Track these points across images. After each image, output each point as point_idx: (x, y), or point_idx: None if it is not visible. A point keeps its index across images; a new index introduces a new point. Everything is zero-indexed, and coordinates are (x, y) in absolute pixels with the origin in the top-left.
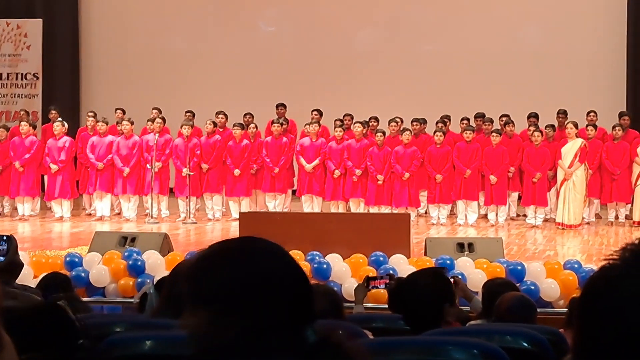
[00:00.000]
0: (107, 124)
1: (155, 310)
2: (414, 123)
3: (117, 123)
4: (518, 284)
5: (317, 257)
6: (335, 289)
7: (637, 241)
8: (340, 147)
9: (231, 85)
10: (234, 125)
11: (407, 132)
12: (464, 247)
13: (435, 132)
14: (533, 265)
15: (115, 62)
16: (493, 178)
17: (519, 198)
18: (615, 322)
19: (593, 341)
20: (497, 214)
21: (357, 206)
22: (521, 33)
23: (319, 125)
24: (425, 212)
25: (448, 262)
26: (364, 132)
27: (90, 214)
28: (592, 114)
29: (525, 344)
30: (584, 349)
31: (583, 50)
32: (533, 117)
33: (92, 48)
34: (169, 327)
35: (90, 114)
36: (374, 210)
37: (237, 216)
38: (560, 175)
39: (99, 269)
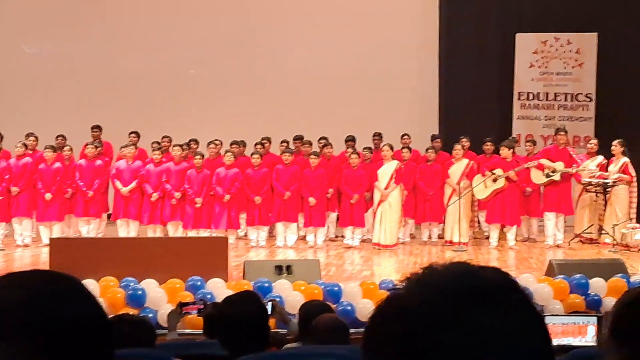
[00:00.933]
0: None
1: None
2: (233, 145)
3: None
4: (335, 305)
5: (131, 284)
6: (151, 315)
7: (421, 271)
8: (159, 170)
9: (43, 106)
10: (46, 148)
11: (230, 154)
12: (282, 269)
13: (252, 154)
14: (349, 285)
15: None
16: (312, 200)
17: (337, 219)
18: (400, 354)
19: None
20: (315, 235)
21: (176, 230)
22: (339, 57)
23: (136, 147)
24: (245, 235)
25: (266, 284)
26: (184, 154)
27: None
28: (406, 136)
29: None
30: None
31: (398, 75)
32: (350, 140)
33: None
34: None
35: None
36: (192, 233)
37: (48, 242)
38: (376, 197)
39: None
